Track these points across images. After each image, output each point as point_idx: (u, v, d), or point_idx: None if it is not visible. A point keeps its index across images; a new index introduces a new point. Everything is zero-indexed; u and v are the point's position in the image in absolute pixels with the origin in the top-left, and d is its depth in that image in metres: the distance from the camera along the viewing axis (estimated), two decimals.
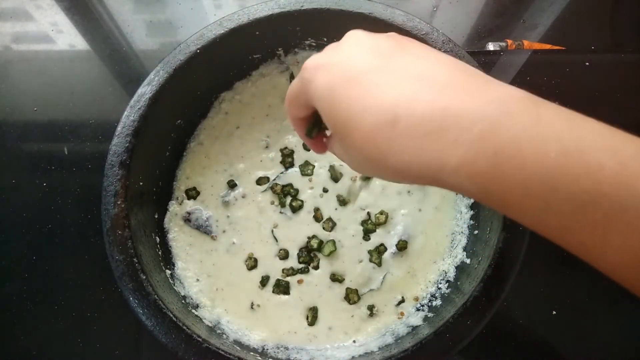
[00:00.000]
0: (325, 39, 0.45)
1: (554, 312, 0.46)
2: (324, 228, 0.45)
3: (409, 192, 0.46)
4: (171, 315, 0.35)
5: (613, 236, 0.18)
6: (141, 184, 0.41)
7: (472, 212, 0.43)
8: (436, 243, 0.45)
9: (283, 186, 0.46)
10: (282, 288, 0.44)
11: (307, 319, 0.43)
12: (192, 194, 0.46)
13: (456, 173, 0.21)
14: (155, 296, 0.35)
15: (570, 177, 0.19)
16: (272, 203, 0.46)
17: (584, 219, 0.19)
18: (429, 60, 0.24)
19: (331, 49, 0.27)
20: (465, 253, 0.42)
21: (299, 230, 0.45)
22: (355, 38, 0.27)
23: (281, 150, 0.47)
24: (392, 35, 0.27)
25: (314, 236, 0.45)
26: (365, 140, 0.23)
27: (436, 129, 0.21)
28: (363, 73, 0.24)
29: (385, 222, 0.45)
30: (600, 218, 0.18)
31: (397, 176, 0.24)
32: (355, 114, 0.24)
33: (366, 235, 0.45)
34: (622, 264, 0.19)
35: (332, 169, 0.46)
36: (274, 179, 0.47)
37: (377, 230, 0.45)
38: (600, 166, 0.18)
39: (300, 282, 0.44)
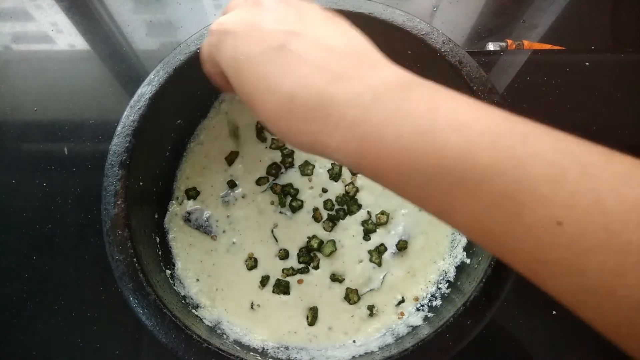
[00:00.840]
0: None
1: (554, 312, 0.46)
2: (324, 228, 0.45)
3: None
4: (171, 315, 0.35)
5: (458, 203, 0.21)
6: (141, 184, 0.41)
7: None
8: (436, 243, 0.45)
9: (283, 186, 0.46)
10: (282, 288, 0.44)
11: (307, 319, 0.43)
12: (192, 194, 0.46)
13: (337, 153, 0.25)
14: (155, 296, 0.35)
15: (419, 153, 0.22)
16: (272, 203, 0.46)
17: (433, 189, 0.22)
18: (325, 42, 0.26)
19: (238, 12, 0.29)
20: (465, 253, 0.42)
21: (299, 230, 0.45)
22: (260, 4, 0.29)
23: (281, 150, 0.47)
24: (293, 2, 0.29)
25: (314, 236, 0.45)
26: (269, 119, 0.26)
27: (323, 115, 0.24)
28: (266, 51, 0.26)
29: (386, 222, 0.45)
30: (445, 188, 0.21)
31: (297, 147, 0.28)
32: (259, 93, 0.26)
33: (366, 235, 0.45)
34: (468, 226, 0.22)
35: (332, 169, 0.46)
36: (274, 179, 0.47)
37: (377, 230, 0.45)
38: (445, 143, 0.21)
39: (300, 282, 0.44)
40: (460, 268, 0.42)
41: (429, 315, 0.41)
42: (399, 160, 0.22)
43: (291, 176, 0.47)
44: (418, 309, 0.43)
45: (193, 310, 0.41)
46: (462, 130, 0.21)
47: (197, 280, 0.44)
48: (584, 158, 0.20)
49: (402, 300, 0.43)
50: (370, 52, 0.27)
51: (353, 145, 0.24)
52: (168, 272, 0.42)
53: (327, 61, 0.25)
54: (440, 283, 0.43)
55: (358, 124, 0.23)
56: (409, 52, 0.43)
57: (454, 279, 0.42)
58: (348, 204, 0.46)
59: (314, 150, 0.26)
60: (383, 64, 0.26)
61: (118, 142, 0.39)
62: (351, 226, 0.45)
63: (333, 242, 0.45)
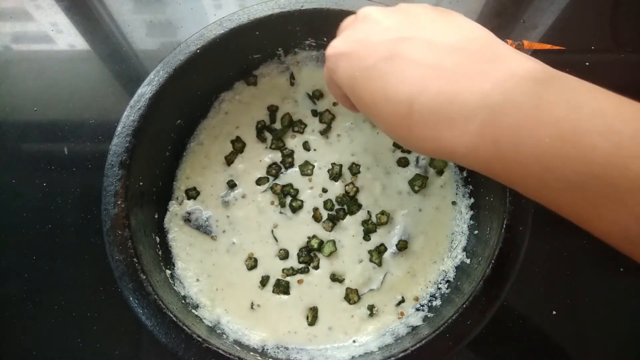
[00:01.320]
0: (325, 39, 0.45)
1: (554, 312, 0.46)
2: (324, 228, 0.45)
3: (409, 192, 0.46)
4: (171, 315, 0.35)
5: (604, 211, 0.20)
6: (141, 184, 0.41)
7: (472, 212, 0.43)
8: (436, 243, 0.45)
9: (283, 186, 0.46)
10: (282, 288, 0.44)
11: (307, 319, 0.43)
12: (192, 194, 0.46)
13: (465, 158, 0.23)
14: (155, 296, 0.35)
15: (563, 160, 0.20)
16: (272, 203, 0.46)
17: (577, 196, 0.20)
18: (436, 40, 0.25)
19: (348, 33, 0.29)
20: (465, 253, 0.42)
21: (299, 230, 0.45)
22: (368, 19, 0.28)
23: (281, 150, 0.47)
24: (401, 8, 0.28)
25: (314, 236, 0.45)
26: (388, 128, 0.26)
27: (445, 118, 0.23)
28: (378, 62, 0.26)
29: (386, 222, 0.45)
30: (591, 196, 0.20)
31: (422, 154, 0.29)
32: (377, 104, 0.26)
33: (366, 235, 0.45)
34: (613, 234, 0.20)
35: (332, 169, 0.46)
36: (274, 179, 0.47)
37: (378, 230, 0.45)
38: (593, 148, 0.19)
39: (300, 282, 0.44)
40: (460, 268, 0.42)
41: (429, 315, 0.41)
42: (539, 166, 0.21)
43: (291, 176, 0.47)
44: (418, 309, 0.43)
45: (193, 310, 0.41)
46: (610, 134, 0.19)
47: (197, 280, 0.44)
48: None
49: (402, 300, 0.43)
50: (490, 43, 0.25)
51: (485, 150, 0.22)
52: (168, 272, 0.42)
53: (441, 59, 0.24)
54: (440, 283, 0.43)
55: (489, 128, 0.22)
56: None
57: (454, 279, 0.42)
58: (348, 204, 0.46)
59: (440, 156, 0.25)
60: (507, 54, 0.24)
61: (118, 142, 0.39)
62: (351, 226, 0.45)
63: (333, 242, 0.45)
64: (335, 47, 0.29)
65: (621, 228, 0.20)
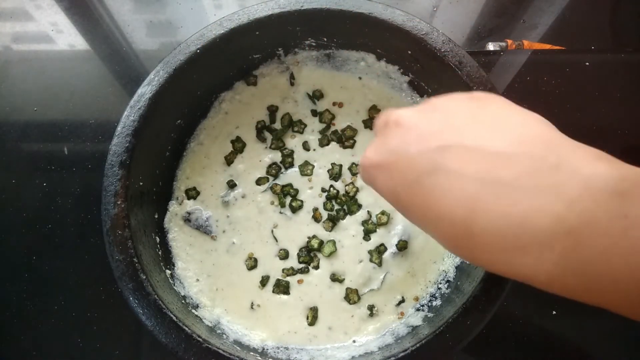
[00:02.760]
0: (325, 39, 0.45)
1: (554, 312, 0.46)
2: (324, 228, 0.45)
3: None
4: (171, 315, 0.35)
5: None
6: (141, 184, 0.41)
7: None
8: (436, 243, 0.44)
9: (283, 186, 0.46)
10: (282, 288, 0.44)
11: (307, 319, 0.43)
12: (192, 194, 0.46)
13: (547, 286, 0.20)
14: (155, 296, 0.35)
15: None
16: (272, 203, 0.46)
17: None
18: (483, 146, 0.21)
19: (381, 142, 0.26)
20: None
21: (299, 230, 0.45)
22: (401, 125, 0.25)
23: (281, 150, 0.47)
24: (435, 106, 0.25)
25: (314, 236, 0.45)
26: (448, 246, 0.24)
27: (516, 246, 0.20)
28: (421, 177, 0.23)
29: (387, 222, 0.45)
30: None
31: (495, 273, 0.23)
32: (430, 222, 0.23)
33: (366, 235, 0.45)
34: None
35: (332, 169, 0.46)
36: (274, 179, 0.47)
37: (378, 230, 0.45)
38: None
39: (300, 282, 0.44)
40: (460, 268, 0.42)
41: (429, 315, 0.41)
42: (634, 293, 0.18)
43: (291, 176, 0.47)
44: (418, 309, 0.43)
45: (193, 310, 0.41)
46: None
47: (197, 280, 0.44)
48: None
49: (402, 300, 0.43)
50: (548, 142, 0.21)
51: (572, 279, 0.19)
52: (168, 272, 0.42)
53: (495, 171, 0.20)
54: (440, 283, 0.43)
55: (572, 255, 0.19)
56: (409, 52, 0.43)
57: (454, 279, 0.42)
58: (348, 204, 0.46)
59: (518, 279, 0.21)
60: (572, 155, 0.20)
61: (118, 142, 0.39)
62: (351, 226, 0.45)
63: (333, 242, 0.45)
64: (369, 158, 0.27)
65: None
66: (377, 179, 0.26)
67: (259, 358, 0.38)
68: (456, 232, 0.22)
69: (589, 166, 0.19)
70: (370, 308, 0.43)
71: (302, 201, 0.46)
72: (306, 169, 0.47)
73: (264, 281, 0.44)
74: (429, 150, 0.23)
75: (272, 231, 0.45)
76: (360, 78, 0.49)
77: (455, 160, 0.22)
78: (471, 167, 0.21)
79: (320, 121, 0.48)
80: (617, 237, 0.18)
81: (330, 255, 0.44)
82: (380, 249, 0.45)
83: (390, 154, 0.25)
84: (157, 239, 0.43)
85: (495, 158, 0.21)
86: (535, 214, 0.19)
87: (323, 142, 0.47)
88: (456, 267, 0.42)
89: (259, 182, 0.47)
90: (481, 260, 0.22)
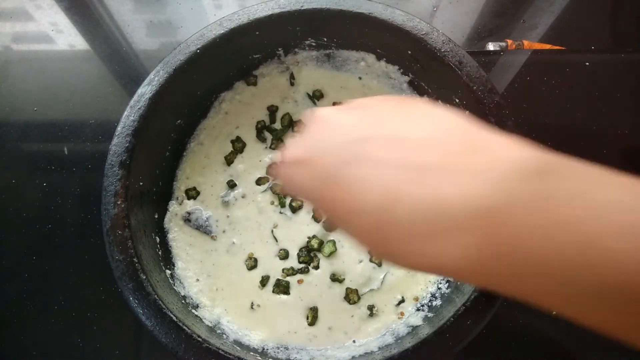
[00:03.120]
0: (325, 39, 0.45)
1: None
2: (324, 228, 0.45)
3: None
4: (171, 315, 0.35)
5: (637, 321, 0.17)
6: (141, 184, 0.41)
7: None
8: None
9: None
10: (282, 288, 0.44)
11: (307, 319, 0.43)
12: (192, 194, 0.46)
13: (461, 273, 0.20)
14: (155, 296, 0.35)
15: (583, 271, 0.17)
16: (272, 203, 0.46)
17: (602, 307, 0.17)
18: (404, 135, 0.21)
19: (304, 138, 0.26)
20: None
21: (298, 230, 0.45)
22: (324, 121, 0.25)
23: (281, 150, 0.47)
24: (360, 104, 0.25)
25: (314, 236, 0.45)
26: (365, 242, 0.22)
27: (434, 231, 0.19)
28: (341, 169, 0.22)
29: None
30: (621, 307, 0.17)
31: (399, 267, 0.23)
32: (346, 215, 0.22)
33: None
34: None
35: None
36: (274, 179, 0.47)
37: None
38: (616, 254, 0.16)
39: (300, 282, 0.44)
40: None
41: (429, 315, 0.41)
42: (563, 278, 0.18)
43: None
44: (418, 309, 0.43)
45: (193, 310, 0.41)
46: (633, 234, 0.16)
47: (197, 280, 0.44)
48: None
49: (402, 300, 0.43)
50: (470, 130, 0.21)
51: (491, 264, 0.18)
52: (168, 272, 0.42)
53: (414, 158, 0.20)
54: (440, 283, 0.43)
55: (493, 237, 0.18)
56: (409, 52, 0.43)
57: (454, 278, 0.42)
58: None
59: (432, 272, 0.21)
60: (492, 142, 0.20)
61: (118, 142, 0.39)
62: None
63: (333, 242, 0.45)
64: (288, 154, 0.26)
65: None
66: (295, 176, 0.25)
67: (259, 358, 0.38)
68: (374, 223, 0.21)
69: (513, 150, 0.19)
70: (370, 308, 0.43)
71: (302, 201, 0.46)
72: None
73: (264, 281, 0.44)
74: (350, 142, 0.22)
75: (272, 231, 0.45)
76: (360, 78, 0.49)
77: (376, 149, 0.21)
78: (391, 154, 0.21)
79: None
80: (542, 216, 0.17)
81: (330, 255, 0.44)
82: None
83: (311, 149, 0.24)
84: (157, 239, 0.43)
85: (416, 144, 0.21)
86: (455, 196, 0.19)
87: None
88: None
89: (259, 182, 0.47)
90: (395, 254, 0.21)
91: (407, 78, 0.46)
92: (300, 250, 0.45)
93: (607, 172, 0.18)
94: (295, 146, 0.26)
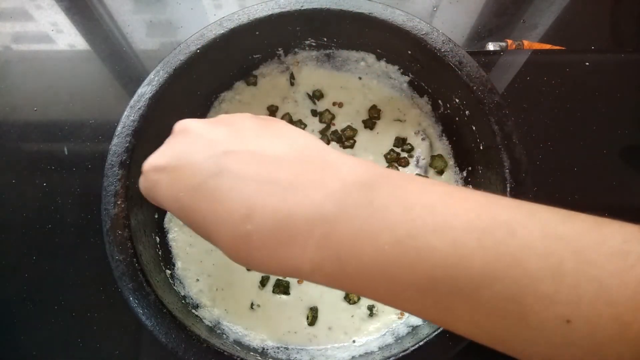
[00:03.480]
0: (325, 39, 0.45)
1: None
2: None
3: None
4: (171, 315, 0.35)
5: (458, 312, 0.19)
6: None
7: None
8: None
9: None
10: (282, 288, 0.44)
11: (307, 319, 0.43)
12: None
13: (312, 275, 0.22)
14: (155, 296, 0.35)
15: (404, 266, 0.19)
16: None
17: (428, 301, 0.20)
18: (264, 152, 0.24)
19: (166, 147, 0.27)
20: None
21: None
22: (188, 132, 0.26)
23: None
24: (223, 120, 0.27)
25: None
26: (229, 252, 0.23)
27: (285, 238, 0.21)
28: (204, 180, 0.23)
29: None
30: (441, 298, 0.19)
31: (265, 273, 0.25)
32: (210, 226, 0.23)
33: None
34: (473, 334, 0.20)
35: None
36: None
37: None
38: (432, 250, 0.19)
39: (300, 282, 0.44)
40: None
41: None
42: (384, 275, 0.20)
43: None
44: None
45: (193, 310, 0.41)
46: (445, 231, 0.19)
47: (197, 280, 0.44)
48: (575, 242, 0.18)
49: None
50: (319, 151, 0.24)
51: (329, 265, 0.21)
52: (168, 272, 0.42)
53: (272, 172, 0.23)
54: None
55: (328, 241, 0.21)
56: (409, 52, 0.43)
57: None
58: None
59: (289, 275, 0.23)
60: (337, 160, 0.23)
61: (118, 142, 0.39)
62: None
63: None
64: (152, 162, 0.26)
65: (478, 328, 0.19)
66: (158, 184, 0.25)
67: (259, 358, 0.38)
68: (236, 233, 0.22)
69: (349, 167, 0.22)
70: (370, 308, 0.43)
71: None
72: None
73: (264, 281, 0.44)
74: (214, 155, 0.24)
75: None
76: (360, 78, 0.49)
77: (238, 163, 0.23)
78: (251, 169, 0.23)
79: (320, 121, 0.48)
80: (364, 221, 0.20)
81: None
82: None
83: (176, 158, 0.25)
84: (157, 239, 0.43)
85: (273, 161, 0.23)
86: (300, 206, 0.21)
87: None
88: None
89: None
90: (257, 262, 0.23)
91: (407, 78, 0.46)
92: None
93: (429, 182, 0.22)
94: (160, 154, 0.27)
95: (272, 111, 0.48)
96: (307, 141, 0.24)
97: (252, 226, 0.22)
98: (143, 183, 0.27)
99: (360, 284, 0.21)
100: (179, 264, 0.44)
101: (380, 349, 0.40)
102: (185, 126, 0.27)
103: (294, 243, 0.21)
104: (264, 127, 0.26)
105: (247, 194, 0.22)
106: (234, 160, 0.23)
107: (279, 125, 0.26)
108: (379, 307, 0.43)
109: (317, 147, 0.24)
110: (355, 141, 0.47)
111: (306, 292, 0.44)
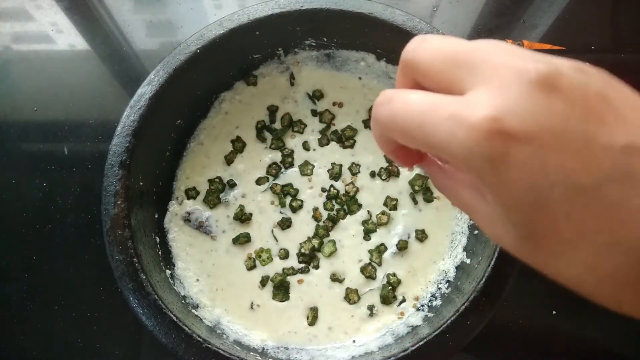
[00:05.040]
0: (325, 39, 0.45)
1: (554, 312, 0.46)
2: (324, 227, 0.45)
3: (409, 192, 0.46)
4: (171, 315, 0.35)
5: None
6: (141, 184, 0.41)
7: None
8: (436, 243, 0.45)
9: (283, 186, 0.46)
10: (282, 288, 0.44)
11: (307, 319, 0.43)
12: (192, 194, 0.46)
13: None
14: (155, 296, 0.35)
15: None
16: (272, 203, 0.46)
17: None
18: None
19: (529, 97, 0.16)
20: (465, 253, 0.42)
21: (299, 230, 0.45)
22: (562, 90, 0.16)
23: (281, 150, 0.47)
24: (604, 81, 0.18)
25: (314, 235, 0.45)
26: (597, 285, 0.17)
27: None
28: (603, 185, 0.16)
29: (387, 222, 0.45)
30: None
31: None
32: (591, 247, 0.16)
33: (367, 235, 0.45)
34: None
35: (332, 169, 0.46)
36: (274, 179, 0.47)
37: (378, 230, 0.45)
38: None
39: (300, 282, 0.44)
40: (460, 268, 0.42)
41: (429, 315, 0.41)
42: None
43: (291, 176, 0.47)
44: (418, 309, 0.43)
45: (193, 310, 0.41)
46: None
47: (197, 280, 0.44)
48: None
49: (403, 300, 0.43)
50: None
51: None
52: (168, 272, 0.42)
53: None
54: (440, 283, 0.43)
55: None
56: None
57: (454, 279, 0.42)
58: (348, 203, 0.46)
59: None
60: None
61: (118, 142, 0.39)
62: (351, 226, 0.45)
63: (333, 242, 0.45)
64: (501, 119, 0.16)
65: None
66: (511, 158, 0.16)
67: (259, 358, 0.38)
68: (630, 265, 0.16)
69: None
70: (370, 308, 0.43)
71: (302, 201, 0.46)
72: (306, 168, 0.47)
73: (264, 281, 0.44)
74: (614, 147, 0.16)
75: (272, 231, 0.45)
76: (360, 78, 0.49)
77: None
78: None
79: (320, 121, 0.48)
80: None
81: (330, 255, 0.44)
82: (381, 249, 0.45)
83: (555, 130, 0.16)
84: (157, 239, 0.43)
85: None
86: None
87: (323, 142, 0.47)
88: (456, 267, 0.42)
89: (259, 182, 0.47)
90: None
91: None
92: (300, 250, 0.45)
93: None
94: (516, 104, 0.16)
95: (272, 111, 0.48)
96: None
97: None
98: (488, 146, 0.16)
99: None
100: (179, 264, 0.44)
101: (380, 349, 0.40)
102: (557, 72, 0.17)
103: None
104: None
105: None
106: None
107: None
108: (379, 307, 0.43)
109: None
110: (355, 141, 0.47)
111: (306, 292, 0.44)
